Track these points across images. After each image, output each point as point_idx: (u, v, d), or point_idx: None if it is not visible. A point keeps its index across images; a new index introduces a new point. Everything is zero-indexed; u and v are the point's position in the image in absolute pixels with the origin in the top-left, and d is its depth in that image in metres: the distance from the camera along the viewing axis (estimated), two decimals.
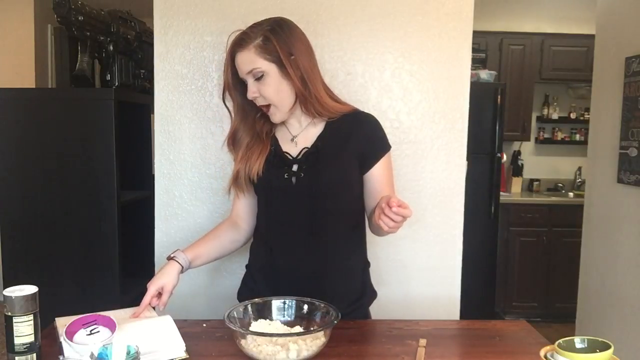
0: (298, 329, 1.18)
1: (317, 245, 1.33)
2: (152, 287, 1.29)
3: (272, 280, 1.37)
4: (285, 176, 1.32)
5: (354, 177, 1.34)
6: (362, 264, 1.44)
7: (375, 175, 1.34)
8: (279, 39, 1.26)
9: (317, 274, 1.33)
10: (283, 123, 1.38)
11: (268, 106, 1.31)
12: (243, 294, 1.44)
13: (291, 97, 1.30)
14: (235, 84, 1.34)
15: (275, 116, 1.32)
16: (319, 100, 1.31)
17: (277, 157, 1.35)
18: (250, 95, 1.29)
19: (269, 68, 1.26)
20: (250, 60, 1.26)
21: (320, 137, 1.34)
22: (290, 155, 1.35)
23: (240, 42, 1.27)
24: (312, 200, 1.31)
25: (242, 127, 1.39)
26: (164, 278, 1.31)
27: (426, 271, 1.78)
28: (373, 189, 1.34)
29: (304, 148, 1.34)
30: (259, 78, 1.27)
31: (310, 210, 1.32)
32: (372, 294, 1.45)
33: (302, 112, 1.34)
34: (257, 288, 1.39)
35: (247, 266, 1.48)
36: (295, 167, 1.33)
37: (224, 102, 1.40)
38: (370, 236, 1.43)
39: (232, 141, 1.41)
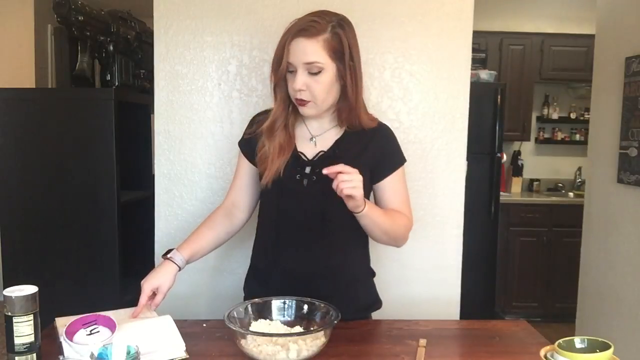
0: (298, 329, 1.18)
1: (322, 249, 1.32)
2: (147, 287, 1.27)
3: (274, 281, 1.35)
4: (297, 177, 1.30)
5: (365, 187, 1.29)
6: (368, 271, 1.43)
7: (385, 185, 1.34)
8: (349, 39, 1.22)
9: (319, 278, 1.31)
10: (303, 120, 1.34)
11: (306, 101, 1.24)
12: (245, 293, 1.43)
13: (335, 100, 1.27)
14: (286, 73, 1.25)
15: (310, 111, 1.26)
16: (356, 110, 1.28)
17: (292, 157, 1.31)
18: (297, 86, 1.21)
19: (330, 66, 1.21)
20: (315, 51, 1.19)
21: (337, 142, 1.32)
22: (306, 157, 1.32)
23: (309, 29, 1.19)
24: (321, 204, 1.29)
25: (281, 118, 1.31)
26: (160, 279, 1.29)
27: (426, 271, 1.78)
28: (381, 198, 1.34)
29: (320, 151, 1.31)
30: (314, 73, 1.21)
31: (318, 214, 1.30)
32: (377, 304, 1.44)
33: (330, 114, 1.31)
34: (258, 287, 1.38)
35: (250, 263, 1.46)
36: (308, 169, 1.30)
37: (274, 91, 1.30)
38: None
39: (270, 130, 1.31)
